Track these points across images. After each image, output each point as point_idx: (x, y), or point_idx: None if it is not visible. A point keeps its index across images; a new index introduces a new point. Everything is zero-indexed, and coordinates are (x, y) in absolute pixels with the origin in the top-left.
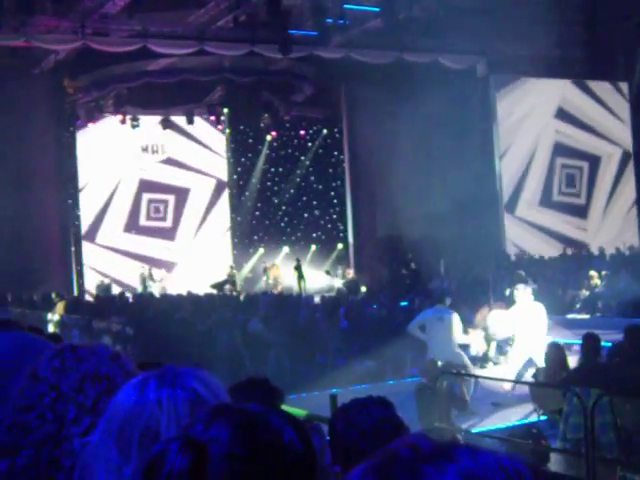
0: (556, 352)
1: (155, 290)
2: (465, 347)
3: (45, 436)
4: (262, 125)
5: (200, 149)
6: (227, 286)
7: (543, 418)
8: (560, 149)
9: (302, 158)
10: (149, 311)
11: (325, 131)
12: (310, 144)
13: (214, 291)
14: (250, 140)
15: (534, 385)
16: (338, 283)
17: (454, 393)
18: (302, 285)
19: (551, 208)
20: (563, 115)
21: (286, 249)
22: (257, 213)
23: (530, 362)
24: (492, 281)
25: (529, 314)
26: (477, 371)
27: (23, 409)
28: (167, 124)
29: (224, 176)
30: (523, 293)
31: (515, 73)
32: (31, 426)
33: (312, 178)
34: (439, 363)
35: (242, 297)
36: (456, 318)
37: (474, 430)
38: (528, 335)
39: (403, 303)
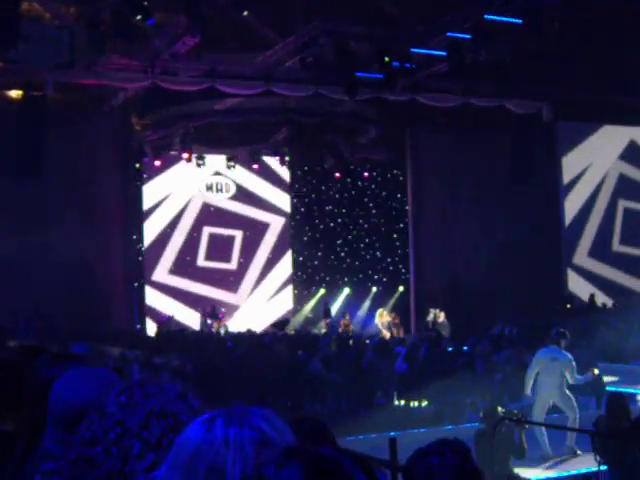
0: (618, 401)
1: (216, 327)
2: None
3: (109, 471)
4: (326, 167)
5: (264, 189)
6: (289, 325)
7: (603, 468)
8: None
9: (365, 200)
10: (209, 348)
11: (389, 174)
12: (374, 186)
13: (275, 330)
14: (314, 181)
15: (595, 435)
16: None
17: (513, 440)
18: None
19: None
20: (629, 158)
21: (347, 290)
22: (319, 254)
23: None
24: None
25: None
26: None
27: (89, 443)
28: (232, 163)
29: (287, 216)
30: None
31: (582, 119)
32: (96, 460)
33: (375, 220)
34: (500, 409)
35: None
36: (570, 361)
37: (533, 479)
38: None
39: (464, 347)
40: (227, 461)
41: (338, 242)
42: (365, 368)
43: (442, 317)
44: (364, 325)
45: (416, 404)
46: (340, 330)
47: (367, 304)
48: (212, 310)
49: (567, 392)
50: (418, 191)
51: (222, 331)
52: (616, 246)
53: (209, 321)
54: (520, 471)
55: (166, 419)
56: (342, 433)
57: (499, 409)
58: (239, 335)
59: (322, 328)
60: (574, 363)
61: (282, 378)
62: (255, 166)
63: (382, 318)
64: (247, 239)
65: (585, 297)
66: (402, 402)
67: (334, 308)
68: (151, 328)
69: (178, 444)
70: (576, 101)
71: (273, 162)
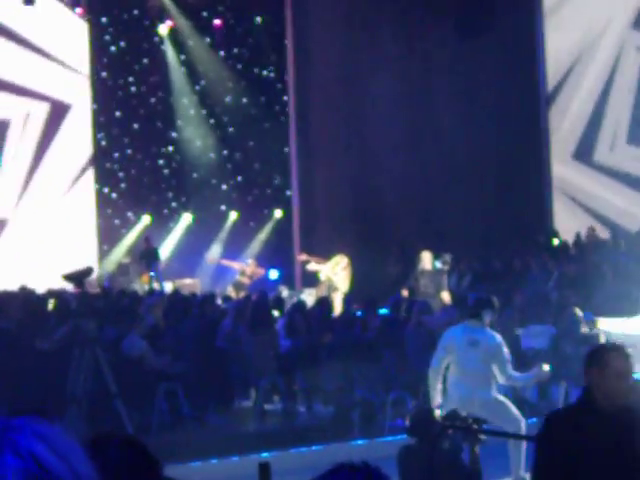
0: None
1: None
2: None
3: None
4: (150, 10)
5: (45, 50)
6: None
7: None
8: None
9: (216, 66)
10: None
11: (258, 20)
12: (230, 43)
13: (69, 285)
14: (130, 34)
15: None
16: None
17: (460, 461)
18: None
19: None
20: None
21: (188, 217)
22: (139, 156)
23: None
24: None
25: None
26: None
27: None
28: None
29: (85, 97)
30: None
31: None
32: None
33: (232, 100)
34: (437, 412)
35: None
36: (500, 345)
37: None
38: None
39: (382, 311)
40: None
41: (171, 137)
42: (220, 347)
43: (427, 261)
44: (218, 275)
45: (304, 406)
46: (244, 282)
47: (222, 239)
48: None
49: (497, 396)
50: (306, 51)
51: None
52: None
53: None
54: None
55: None
56: (181, 455)
57: (436, 412)
58: (8, 296)
59: (145, 282)
60: (506, 349)
61: (78, 366)
62: (28, 9)
63: (337, 269)
64: (11, 137)
65: (579, 225)
66: (281, 402)
67: (165, 249)
68: None
69: None
70: None
71: (59, 3)
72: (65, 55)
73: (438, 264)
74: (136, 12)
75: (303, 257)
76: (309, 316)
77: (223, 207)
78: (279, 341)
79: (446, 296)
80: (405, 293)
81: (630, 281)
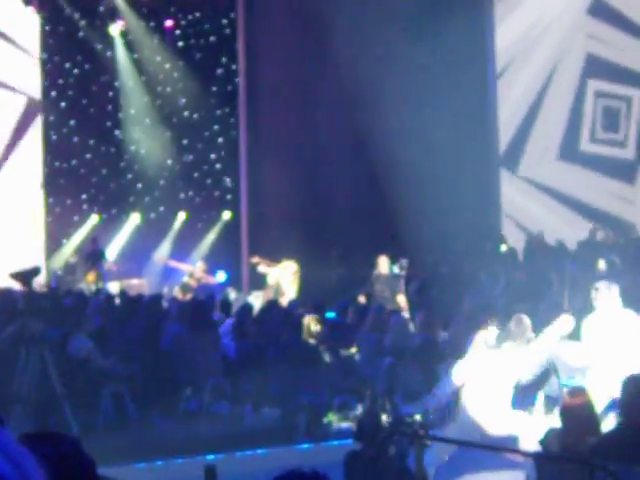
0: (581, 403)
1: None
2: None
3: None
4: (102, 9)
5: None
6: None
7: None
8: (594, 67)
9: (167, 67)
10: None
11: (207, 24)
12: (181, 44)
13: (16, 284)
14: (81, 34)
15: (541, 458)
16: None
17: (406, 466)
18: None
19: (576, 163)
20: (599, 10)
21: (136, 217)
22: (89, 156)
23: (614, 406)
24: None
25: (616, 328)
26: None
27: None
28: None
29: (36, 92)
30: (607, 295)
31: None
32: None
33: (183, 101)
34: (384, 418)
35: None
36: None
37: None
38: (615, 361)
39: (329, 315)
40: None
41: (120, 138)
42: (165, 349)
43: (383, 265)
44: (166, 276)
45: (251, 409)
46: (191, 284)
47: (170, 240)
48: None
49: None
50: (257, 53)
51: None
52: (586, 145)
53: None
54: None
55: None
56: (127, 457)
57: (382, 418)
58: None
59: (90, 282)
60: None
61: (24, 365)
62: None
63: (286, 273)
64: None
65: (533, 226)
66: (227, 405)
67: (113, 249)
68: None
69: None
70: None
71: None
72: (21, 47)
73: (395, 269)
74: (88, 13)
75: (255, 259)
76: (257, 318)
77: (172, 208)
78: (222, 343)
79: (402, 300)
80: (362, 299)
81: (576, 288)
